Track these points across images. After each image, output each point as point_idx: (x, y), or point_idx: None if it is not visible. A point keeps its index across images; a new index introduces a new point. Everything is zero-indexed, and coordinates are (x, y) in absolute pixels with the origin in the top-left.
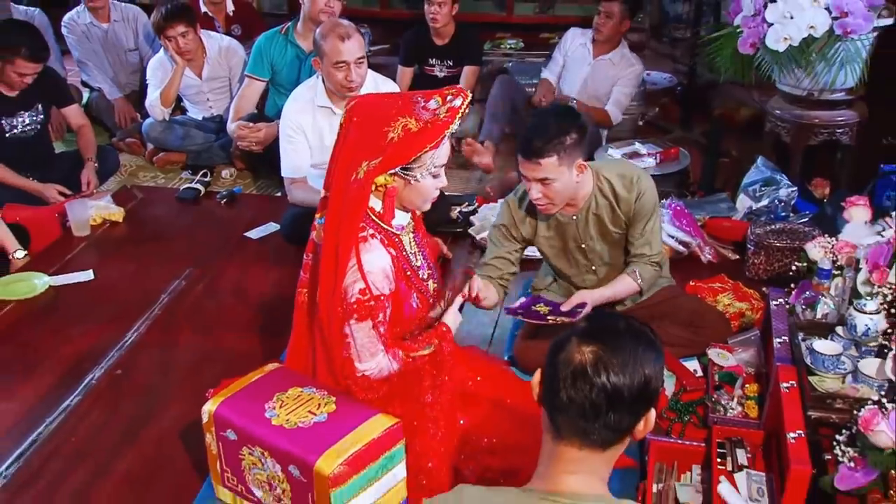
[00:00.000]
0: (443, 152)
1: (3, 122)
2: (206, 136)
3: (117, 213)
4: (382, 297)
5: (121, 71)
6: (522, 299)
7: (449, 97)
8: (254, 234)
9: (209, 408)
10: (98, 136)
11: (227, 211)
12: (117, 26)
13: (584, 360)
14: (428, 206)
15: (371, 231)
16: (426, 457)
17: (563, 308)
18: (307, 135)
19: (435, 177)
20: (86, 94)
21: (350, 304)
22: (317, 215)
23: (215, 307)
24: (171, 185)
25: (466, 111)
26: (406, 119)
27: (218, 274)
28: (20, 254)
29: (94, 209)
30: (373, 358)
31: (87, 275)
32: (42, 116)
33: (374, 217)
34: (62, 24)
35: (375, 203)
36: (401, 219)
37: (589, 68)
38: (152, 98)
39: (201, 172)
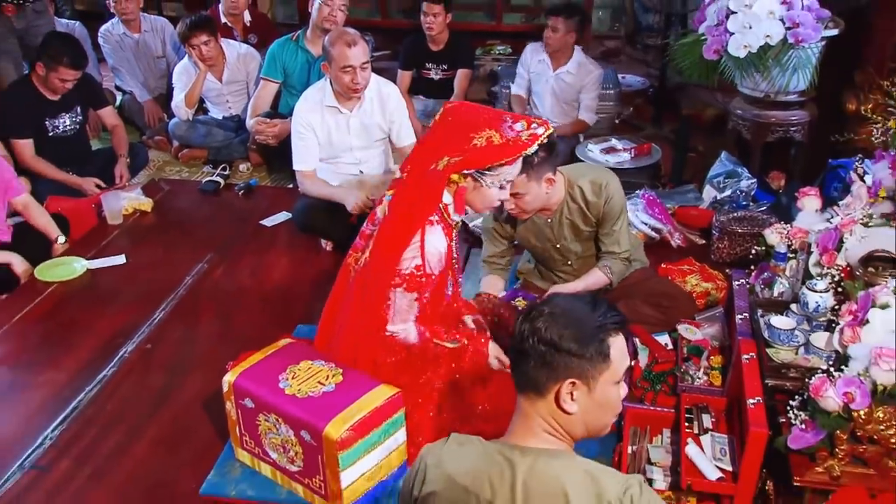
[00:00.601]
0: (514, 170)
1: (46, 123)
2: (226, 134)
3: (146, 204)
4: (433, 277)
5: (150, 76)
6: (503, 293)
7: (534, 125)
8: (268, 222)
9: (229, 378)
10: (129, 134)
11: (245, 201)
12: (147, 36)
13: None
14: (486, 212)
15: (436, 217)
16: (419, 433)
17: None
18: (316, 131)
19: (501, 188)
20: (119, 97)
21: (403, 274)
22: (387, 192)
23: (234, 288)
24: (194, 178)
25: (545, 141)
26: (492, 132)
27: (236, 258)
28: (61, 240)
29: (126, 200)
30: (403, 323)
31: (120, 259)
32: (80, 117)
33: (440, 206)
34: (99, 34)
35: (445, 196)
36: (458, 215)
37: (553, 81)
38: (178, 100)
39: (221, 167)
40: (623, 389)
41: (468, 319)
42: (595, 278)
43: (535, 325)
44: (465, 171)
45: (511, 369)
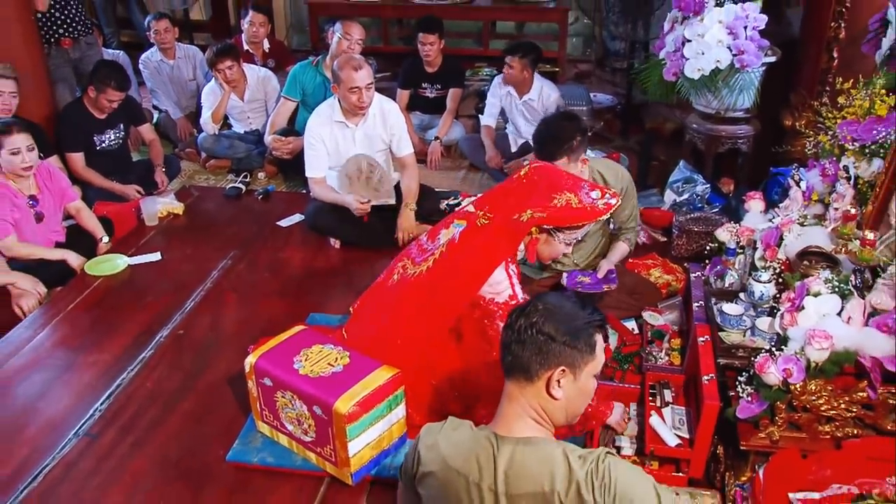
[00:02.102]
0: (583, 231)
1: (94, 138)
2: (247, 147)
3: (179, 208)
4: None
5: (182, 97)
6: (566, 275)
7: (608, 195)
8: (284, 223)
9: (250, 360)
10: (164, 147)
11: (263, 205)
12: (180, 62)
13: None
14: (548, 262)
15: (510, 258)
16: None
17: (599, 275)
18: (325, 143)
19: (567, 244)
20: (156, 115)
21: (498, 303)
22: (458, 220)
23: (254, 281)
24: (219, 184)
25: (615, 211)
26: (571, 196)
27: (256, 255)
28: (105, 240)
29: (162, 204)
30: None
31: (156, 256)
32: (123, 133)
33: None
34: (139, 62)
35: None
36: (527, 261)
37: (521, 107)
38: (205, 117)
39: (243, 175)
40: (596, 383)
41: None
42: (623, 249)
43: (531, 319)
44: (545, 227)
45: (502, 357)
